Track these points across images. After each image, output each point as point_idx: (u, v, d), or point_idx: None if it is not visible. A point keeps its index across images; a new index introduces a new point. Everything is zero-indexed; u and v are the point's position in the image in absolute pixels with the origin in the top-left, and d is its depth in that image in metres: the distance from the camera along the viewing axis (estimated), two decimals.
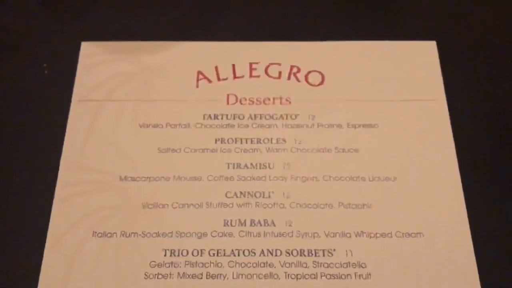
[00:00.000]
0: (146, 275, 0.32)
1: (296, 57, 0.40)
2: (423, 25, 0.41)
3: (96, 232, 0.33)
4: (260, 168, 0.35)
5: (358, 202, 0.34)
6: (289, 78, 0.39)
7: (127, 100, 0.38)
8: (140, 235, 0.33)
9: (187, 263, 0.32)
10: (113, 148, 0.36)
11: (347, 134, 0.37)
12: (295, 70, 0.39)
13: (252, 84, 0.39)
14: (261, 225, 0.34)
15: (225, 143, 0.36)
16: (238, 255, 0.33)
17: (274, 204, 0.34)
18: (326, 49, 0.40)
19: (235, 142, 0.36)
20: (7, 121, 0.38)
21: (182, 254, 0.33)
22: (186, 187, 0.35)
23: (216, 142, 0.36)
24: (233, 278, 0.32)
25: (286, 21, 0.42)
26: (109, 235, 0.33)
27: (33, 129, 0.37)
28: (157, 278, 0.32)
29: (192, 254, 0.33)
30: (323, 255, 0.33)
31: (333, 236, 0.33)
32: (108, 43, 0.40)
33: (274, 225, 0.34)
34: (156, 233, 0.33)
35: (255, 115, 0.37)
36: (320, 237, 0.33)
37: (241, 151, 0.36)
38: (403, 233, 0.33)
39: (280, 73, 0.39)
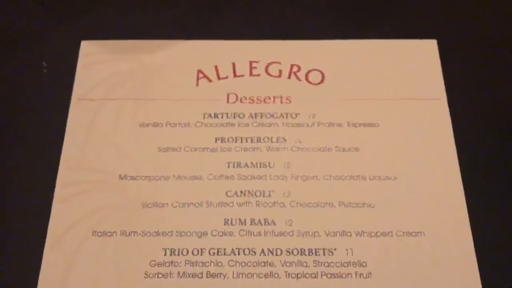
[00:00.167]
0: (146, 274, 0.32)
1: (296, 56, 0.39)
2: (424, 23, 0.41)
3: (96, 232, 0.33)
4: (260, 167, 0.35)
5: (359, 201, 0.34)
6: (289, 77, 0.39)
7: (127, 99, 0.38)
8: (140, 234, 0.33)
9: (187, 262, 0.32)
10: (113, 147, 0.36)
11: (347, 133, 0.37)
12: (295, 69, 0.39)
13: (252, 83, 0.39)
14: (261, 224, 0.33)
15: (225, 142, 0.36)
16: (238, 254, 0.33)
17: (275, 203, 0.34)
18: (326, 48, 0.40)
19: (235, 141, 0.36)
20: (7, 120, 0.38)
21: (182, 253, 0.33)
22: (186, 186, 0.35)
23: (216, 141, 0.36)
24: (233, 277, 0.32)
25: (286, 19, 0.42)
26: (109, 234, 0.33)
27: (33, 128, 0.37)
28: (157, 277, 0.32)
29: (192, 253, 0.33)
30: (324, 254, 0.33)
31: (334, 235, 0.33)
32: (108, 42, 0.40)
33: (275, 224, 0.33)
34: (156, 232, 0.33)
35: (255, 114, 0.37)
36: (320, 236, 0.33)
37: (241, 150, 0.36)
38: (403, 232, 0.33)
39: (280, 71, 0.39)
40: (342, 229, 0.33)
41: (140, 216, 0.34)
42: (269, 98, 0.38)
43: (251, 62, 0.39)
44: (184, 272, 0.32)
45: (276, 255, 0.33)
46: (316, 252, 0.33)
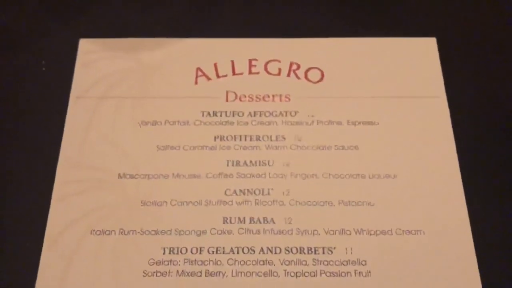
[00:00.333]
0: (144, 273, 0.32)
1: (295, 54, 0.39)
2: (423, 21, 0.41)
3: (94, 230, 0.33)
4: (259, 165, 0.35)
5: (358, 199, 0.34)
6: (288, 75, 0.39)
7: (126, 97, 0.38)
8: (138, 233, 0.33)
9: (186, 261, 0.32)
10: (111, 145, 0.36)
11: (347, 131, 0.36)
12: (294, 67, 0.39)
13: (252, 81, 0.39)
14: (260, 222, 0.33)
15: (224, 140, 0.36)
16: (238, 252, 0.32)
17: (274, 201, 0.34)
18: (326, 46, 0.40)
19: (235, 139, 0.36)
20: (5, 118, 0.38)
21: (181, 252, 0.32)
22: (185, 184, 0.35)
23: (215, 140, 0.36)
24: (232, 276, 0.32)
25: (286, 17, 0.42)
26: (107, 233, 0.33)
27: (31, 126, 0.37)
28: (156, 276, 0.32)
29: (191, 252, 0.32)
30: (323, 253, 0.32)
31: (333, 234, 0.33)
32: (106, 40, 0.40)
33: (274, 223, 0.33)
34: (154, 231, 0.33)
35: (254, 112, 0.37)
36: (320, 234, 0.33)
37: (240, 149, 0.36)
38: (403, 231, 0.33)
39: (279, 69, 0.39)
40: (342, 227, 0.33)
41: (139, 215, 0.34)
42: (268, 96, 0.38)
43: (250, 60, 0.39)
44: (183, 271, 0.32)
45: (275, 253, 0.32)
46: (315, 250, 0.33)
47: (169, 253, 0.32)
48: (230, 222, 0.33)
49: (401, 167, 0.35)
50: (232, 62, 0.39)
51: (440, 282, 0.32)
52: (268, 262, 0.32)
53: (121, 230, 0.33)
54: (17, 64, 0.40)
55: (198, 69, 0.39)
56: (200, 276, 0.32)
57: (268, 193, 0.34)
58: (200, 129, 0.37)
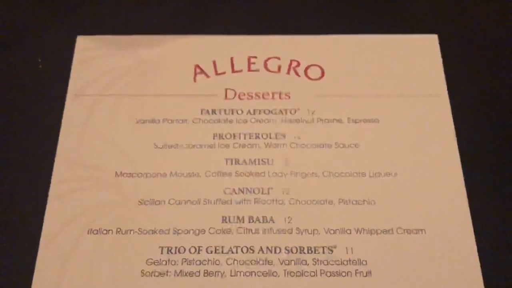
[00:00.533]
0: (142, 272, 0.32)
1: (295, 51, 0.39)
2: (425, 18, 0.41)
3: (91, 229, 0.33)
4: (259, 164, 0.35)
5: (359, 198, 0.34)
6: (288, 72, 0.38)
7: (124, 95, 0.37)
8: (136, 232, 0.33)
9: (184, 260, 0.32)
10: (109, 143, 0.36)
11: (347, 129, 0.36)
12: (294, 64, 0.39)
13: (251, 78, 0.38)
14: (260, 221, 0.33)
15: (223, 138, 0.36)
16: (236, 252, 0.32)
17: (273, 200, 0.34)
18: (326, 43, 0.40)
19: (234, 138, 0.36)
20: (2, 116, 0.37)
21: (179, 251, 0.32)
22: (184, 183, 0.34)
23: (214, 138, 0.36)
24: (231, 275, 0.32)
25: (286, 14, 0.41)
26: (104, 232, 0.33)
27: (28, 124, 0.37)
28: (154, 275, 0.32)
29: (190, 252, 0.32)
30: (323, 252, 0.32)
31: (333, 233, 0.33)
32: (104, 37, 0.40)
33: (273, 222, 0.33)
34: (152, 230, 0.33)
35: (254, 110, 0.37)
36: (320, 234, 0.33)
37: (239, 147, 0.36)
38: (404, 230, 0.33)
39: (279, 67, 0.39)
40: (342, 226, 0.33)
41: (136, 214, 0.33)
42: (268, 94, 0.38)
43: (249, 58, 0.39)
44: (181, 270, 0.32)
45: (275, 253, 0.32)
46: (315, 250, 0.32)
47: (167, 252, 0.32)
48: (229, 221, 0.33)
49: (402, 165, 0.35)
50: (231, 59, 0.39)
51: (442, 282, 0.31)
52: (268, 261, 0.32)
53: (119, 230, 0.33)
54: (13, 61, 0.40)
55: (197, 66, 0.39)
56: (199, 276, 0.32)
57: (268, 192, 0.34)
58: (198, 127, 0.36)
